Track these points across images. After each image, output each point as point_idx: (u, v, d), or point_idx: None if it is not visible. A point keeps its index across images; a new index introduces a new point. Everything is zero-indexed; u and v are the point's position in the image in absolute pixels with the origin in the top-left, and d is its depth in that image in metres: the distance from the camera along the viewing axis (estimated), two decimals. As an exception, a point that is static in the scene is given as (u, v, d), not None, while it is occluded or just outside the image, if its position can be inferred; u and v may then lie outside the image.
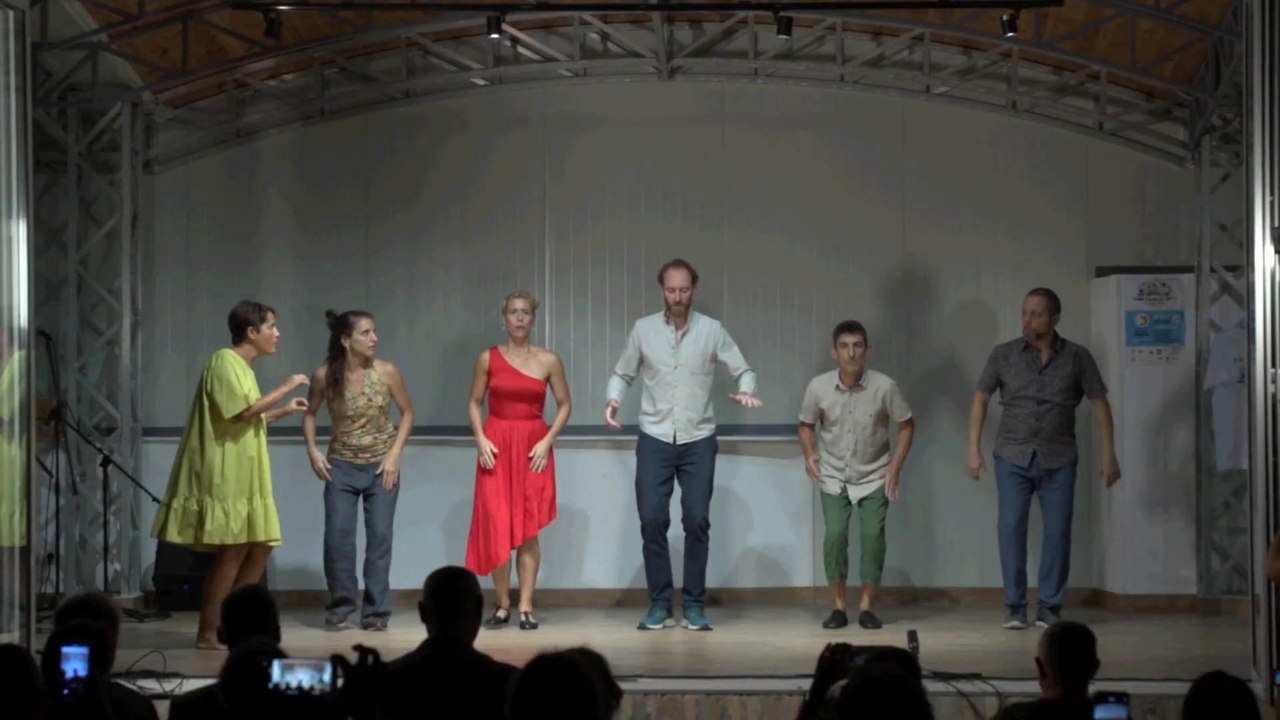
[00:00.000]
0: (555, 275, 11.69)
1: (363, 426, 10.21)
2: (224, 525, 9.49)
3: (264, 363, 10.03)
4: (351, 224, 11.73)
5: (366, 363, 10.23)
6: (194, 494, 9.51)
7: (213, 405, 9.52)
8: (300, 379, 9.87)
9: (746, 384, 10.41)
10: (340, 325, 10.23)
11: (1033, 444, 10.34)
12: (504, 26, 10.46)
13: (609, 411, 10.36)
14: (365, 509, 10.31)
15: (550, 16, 11.34)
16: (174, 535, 9.59)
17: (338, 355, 10.21)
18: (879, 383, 10.51)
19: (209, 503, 9.48)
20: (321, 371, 10.25)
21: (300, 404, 9.91)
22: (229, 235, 11.73)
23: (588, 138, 11.76)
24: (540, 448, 10.35)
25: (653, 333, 10.47)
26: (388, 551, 10.26)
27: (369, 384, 10.21)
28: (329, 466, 10.20)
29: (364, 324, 10.21)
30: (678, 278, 10.38)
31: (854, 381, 10.47)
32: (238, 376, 9.53)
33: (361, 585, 10.33)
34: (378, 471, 10.22)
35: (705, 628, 10.27)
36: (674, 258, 10.59)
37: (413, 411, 10.38)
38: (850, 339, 10.43)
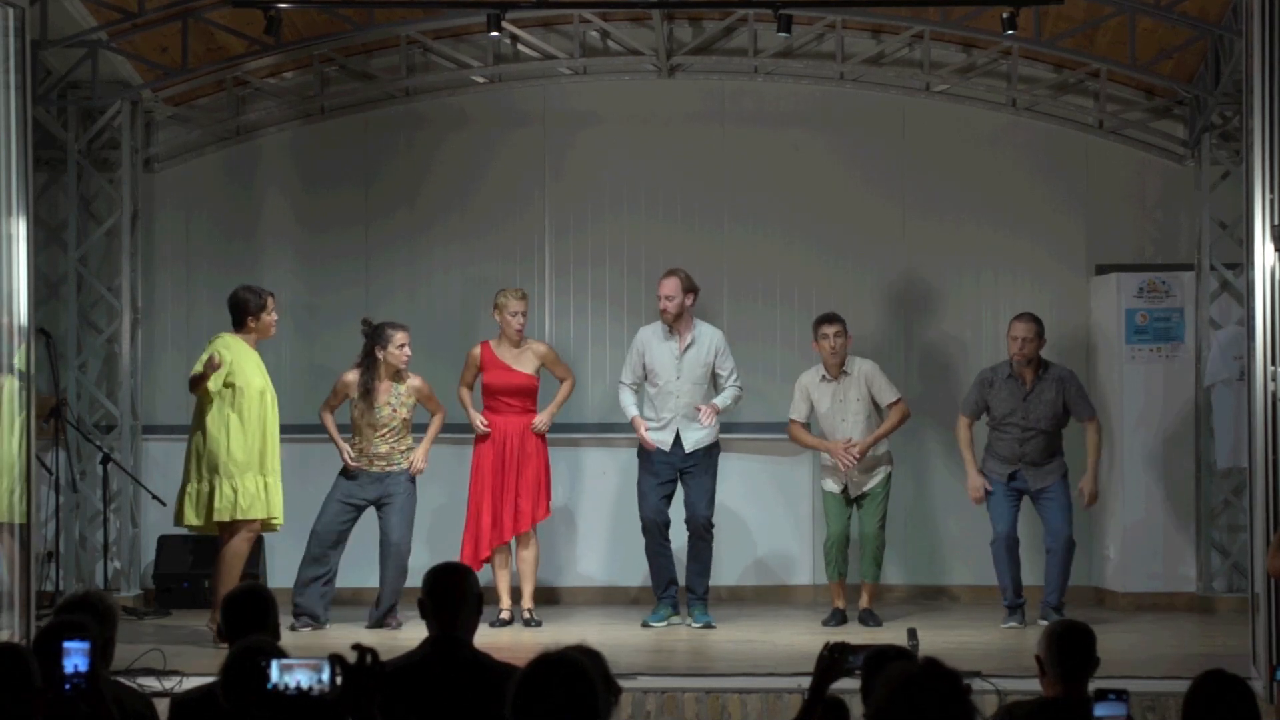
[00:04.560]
0: (555, 273, 11.69)
1: (383, 436, 10.20)
2: (233, 502, 9.47)
3: (266, 350, 9.98)
4: (351, 223, 11.72)
5: (397, 375, 10.20)
6: (204, 475, 9.51)
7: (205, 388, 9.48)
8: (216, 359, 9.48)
9: (721, 397, 10.39)
10: (375, 336, 10.17)
11: (1017, 466, 10.31)
12: (504, 24, 10.48)
13: (644, 431, 10.32)
14: (380, 518, 10.28)
15: (550, 14, 11.34)
16: (191, 519, 9.57)
17: (370, 364, 10.17)
18: (861, 366, 10.53)
19: (218, 481, 9.47)
20: (351, 376, 10.21)
21: (216, 363, 9.42)
22: (229, 233, 11.72)
23: (588, 136, 11.76)
24: (542, 416, 10.36)
25: (655, 343, 10.44)
26: (403, 562, 10.18)
27: (395, 395, 10.19)
28: (355, 460, 10.18)
29: (400, 337, 10.16)
30: (666, 286, 10.34)
31: (839, 372, 10.48)
32: (215, 356, 9.45)
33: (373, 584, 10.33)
34: (401, 472, 10.19)
35: (708, 625, 10.27)
36: (672, 260, 10.57)
37: (444, 411, 10.39)
38: (830, 330, 10.44)
